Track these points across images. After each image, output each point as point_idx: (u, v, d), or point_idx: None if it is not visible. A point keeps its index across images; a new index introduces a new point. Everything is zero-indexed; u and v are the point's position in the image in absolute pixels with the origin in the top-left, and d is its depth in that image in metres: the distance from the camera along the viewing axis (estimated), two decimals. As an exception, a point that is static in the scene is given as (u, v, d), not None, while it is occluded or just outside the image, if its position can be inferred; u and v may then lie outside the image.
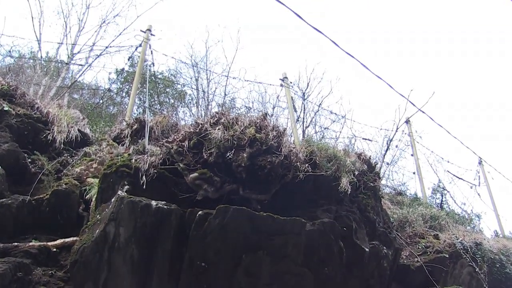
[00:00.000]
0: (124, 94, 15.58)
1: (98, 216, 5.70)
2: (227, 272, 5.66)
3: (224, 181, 6.03)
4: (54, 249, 5.90)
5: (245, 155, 5.99)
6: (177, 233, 5.58)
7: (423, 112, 12.02)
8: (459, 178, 15.33)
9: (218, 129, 6.20)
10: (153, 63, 10.33)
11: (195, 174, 5.97)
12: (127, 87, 15.17)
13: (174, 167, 6.10)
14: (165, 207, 5.51)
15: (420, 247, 8.94)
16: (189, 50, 16.86)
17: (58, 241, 6.00)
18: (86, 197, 6.60)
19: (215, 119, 6.53)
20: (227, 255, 5.64)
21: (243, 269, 5.67)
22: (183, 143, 6.30)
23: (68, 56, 16.13)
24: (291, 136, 8.63)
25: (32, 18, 16.24)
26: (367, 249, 6.81)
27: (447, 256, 8.75)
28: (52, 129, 7.69)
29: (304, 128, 12.16)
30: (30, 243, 5.80)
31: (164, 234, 5.51)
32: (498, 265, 9.88)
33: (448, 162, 15.18)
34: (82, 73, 15.86)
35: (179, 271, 5.55)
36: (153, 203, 5.45)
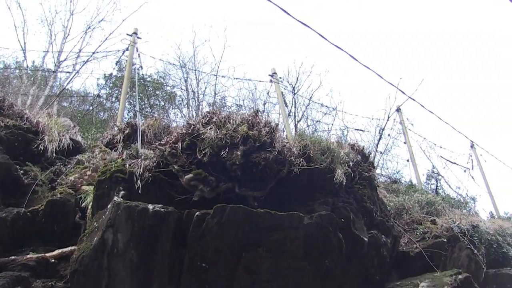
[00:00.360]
0: (113, 99, 15.51)
1: (95, 224, 5.68)
2: (228, 271, 5.66)
3: (220, 180, 6.02)
4: (53, 260, 5.87)
5: (239, 153, 5.99)
6: (175, 235, 5.56)
7: (413, 99, 12.07)
8: (453, 163, 15.45)
9: (210, 128, 6.19)
10: (141, 66, 10.32)
11: (190, 175, 5.95)
12: (117, 92, 15.08)
13: (169, 169, 6.08)
14: (162, 210, 5.49)
15: (418, 233, 9.01)
16: (177, 51, 16.85)
17: (56, 252, 5.96)
18: (82, 205, 6.56)
19: (207, 118, 6.51)
20: (226, 254, 5.64)
21: (243, 266, 5.67)
22: (176, 145, 6.28)
23: (55, 64, 16.00)
24: (284, 131, 8.64)
25: (15, 27, 16.12)
26: (366, 239, 6.84)
27: (445, 240, 8.81)
28: (43, 139, 7.63)
29: (296, 123, 12.20)
30: (28, 256, 5.77)
31: (163, 237, 5.49)
32: (495, 246, 9.98)
33: (441, 147, 15.30)
34: (70, 80, 15.76)
35: (179, 272, 5.54)
36: (150, 206, 5.43)
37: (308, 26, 6.83)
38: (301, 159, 6.46)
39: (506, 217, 15.23)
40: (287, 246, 5.90)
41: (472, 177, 15.86)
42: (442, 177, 15.01)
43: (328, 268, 6.31)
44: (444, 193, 14.18)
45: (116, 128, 8.33)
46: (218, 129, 6.21)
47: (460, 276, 7.59)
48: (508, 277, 9.62)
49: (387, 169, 14.39)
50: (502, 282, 9.52)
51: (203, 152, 6.07)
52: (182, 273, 5.54)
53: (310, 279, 6.13)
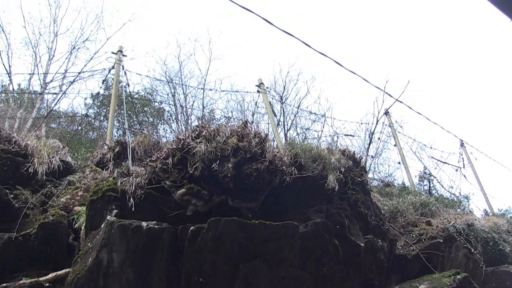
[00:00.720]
0: (102, 118, 15.46)
1: (89, 244, 5.61)
2: (226, 284, 5.62)
3: (212, 193, 6.00)
4: (47, 284, 5.77)
5: (230, 165, 5.98)
6: (171, 251, 5.52)
7: (400, 102, 12.16)
8: (444, 163, 15.57)
9: (200, 142, 6.18)
10: (128, 84, 10.29)
11: (183, 190, 5.93)
12: (105, 110, 15.04)
13: (161, 185, 6.05)
14: (156, 226, 5.45)
15: (414, 235, 9.02)
16: (163, 67, 16.86)
17: (50, 275, 5.86)
18: (75, 226, 6.49)
19: (196, 132, 6.49)
20: (223, 267, 5.60)
21: (241, 279, 5.64)
22: (167, 161, 6.26)
23: (41, 86, 15.95)
24: (274, 140, 8.65)
25: (0, 51, 16.05)
26: (362, 244, 6.83)
27: (441, 241, 8.83)
28: (33, 162, 7.55)
29: (286, 131, 12.24)
30: (21, 281, 5.66)
31: (158, 254, 5.44)
32: (491, 243, 10.01)
33: (431, 148, 15.42)
34: (57, 101, 15.71)
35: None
36: (144, 224, 5.39)
37: (292, 35, 6.87)
38: (293, 168, 6.46)
39: (500, 214, 15.31)
40: (284, 256, 5.87)
41: (464, 176, 15.98)
42: (434, 177, 15.11)
43: (326, 275, 6.29)
44: (438, 194, 14.26)
45: (105, 147, 8.29)
46: (208, 143, 6.19)
47: (459, 276, 7.60)
48: (506, 274, 9.63)
49: (379, 172, 14.47)
50: (501, 280, 9.52)
51: (194, 166, 6.05)
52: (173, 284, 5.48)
53: (309, 287, 6.10)
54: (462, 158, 16.39)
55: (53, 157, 7.93)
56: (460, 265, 8.70)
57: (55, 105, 15.60)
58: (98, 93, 15.28)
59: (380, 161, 14.92)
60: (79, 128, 14.23)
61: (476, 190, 16.00)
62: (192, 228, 5.54)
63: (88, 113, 15.34)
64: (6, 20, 16.81)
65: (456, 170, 15.91)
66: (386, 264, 7.60)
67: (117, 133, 12.97)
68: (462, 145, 16.54)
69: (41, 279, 5.76)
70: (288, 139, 10.70)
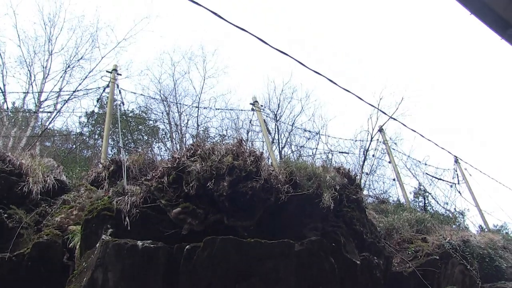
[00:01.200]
0: (96, 136, 15.45)
1: (84, 264, 5.58)
2: None
3: (208, 212, 6.00)
4: (41, 305, 5.72)
5: (225, 183, 5.99)
6: (166, 270, 5.49)
7: (394, 119, 12.27)
8: (438, 179, 15.62)
9: (196, 161, 6.20)
10: (122, 102, 10.32)
11: (178, 209, 5.92)
12: (99, 129, 15.05)
13: (156, 204, 6.04)
14: (152, 245, 5.43)
15: (410, 252, 9.01)
16: (157, 85, 16.93)
17: (44, 296, 5.82)
18: (70, 246, 6.43)
19: (192, 151, 6.52)
20: (219, 286, 5.57)
21: None
22: (162, 179, 6.26)
23: (36, 105, 15.95)
24: (269, 158, 8.66)
25: (-6, 70, 16.06)
26: (358, 262, 6.82)
27: (437, 257, 8.83)
28: (27, 181, 7.52)
29: (281, 149, 12.29)
30: (14, 302, 5.61)
31: (154, 273, 5.42)
32: (487, 260, 10.00)
33: (426, 164, 15.49)
34: (51, 120, 15.68)
35: None
36: (139, 243, 5.37)
37: (287, 55, 6.94)
38: (288, 186, 6.49)
39: (496, 230, 15.32)
40: (280, 274, 5.85)
41: (459, 192, 16.02)
42: (429, 193, 15.14)
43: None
44: (433, 210, 14.28)
45: (100, 166, 8.27)
46: (203, 161, 6.21)
47: (454, 293, 7.59)
48: (501, 291, 9.63)
49: (374, 189, 14.49)
50: (497, 296, 9.51)
51: (190, 185, 6.05)
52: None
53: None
54: (457, 174, 16.46)
55: (47, 176, 7.90)
56: (457, 282, 8.69)
57: (49, 123, 15.58)
58: (93, 111, 15.33)
59: (375, 178, 14.96)
60: (74, 146, 14.21)
61: (471, 206, 16.02)
62: (187, 247, 5.53)
63: (82, 132, 15.34)
64: (1, 39, 16.80)
65: (451, 186, 15.96)
66: (382, 282, 7.57)
67: (111, 151, 12.97)
68: (456, 161, 16.61)
69: (34, 300, 5.71)
70: (283, 157, 10.74)
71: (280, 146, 12.56)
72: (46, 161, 8.63)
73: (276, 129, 12.81)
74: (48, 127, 15.26)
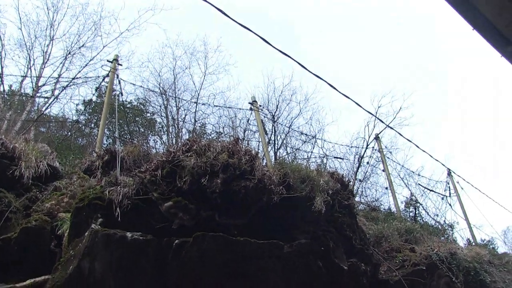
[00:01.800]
0: (93, 125, 15.38)
1: (71, 252, 5.53)
2: None
3: (200, 208, 5.98)
4: (23, 291, 5.65)
5: (219, 181, 5.98)
6: (155, 263, 5.47)
7: (391, 128, 12.33)
8: (430, 190, 15.72)
9: (191, 156, 6.18)
10: (121, 93, 10.31)
11: (170, 203, 5.90)
12: (96, 118, 14.97)
13: (148, 197, 6.01)
14: (141, 238, 5.40)
15: (397, 261, 9.05)
16: (157, 78, 16.87)
17: (28, 281, 5.71)
18: (58, 233, 6.39)
19: (187, 146, 6.50)
20: (207, 283, 5.57)
21: None
22: (156, 172, 6.24)
23: (33, 89, 15.82)
24: (264, 159, 8.67)
25: (-7, 52, 15.93)
26: (345, 267, 6.84)
27: (424, 268, 8.87)
28: (20, 165, 7.47)
29: (276, 150, 12.29)
30: (-3, 287, 5.56)
31: (142, 266, 5.40)
32: (472, 273, 10.07)
33: (419, 175, 15.57)
34: (48, 105, 15.58)
35: None
36: (129, 234, 5.34)
37: (289, 56, 6.95)
38: (281, 187, 6.48)
39: (483, 244, 15.44)
40: (268, 275, 5.87)
41: (450, 204, 16.12)
42: (420, 204, 15.23)
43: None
44: (423, 221, 14.36)
45: (94, 155, 8.25)
46: (199, 157, 6.20)
47: (438, 304, 7.62)
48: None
49: (366, 196, 14.56)
50: (480, 310, 9.58)
51: (183, 180, 6.03)
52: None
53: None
54: (449, 187, 16.56)
55: (40, 161, 7.85)
56: (440, 293, 8.74)
57: (46, 109, 15.47)
58: (91, 100, 15.27)
59: (368, 185, 15.03)
60: (69, 133, 14.15)
61: (461, 220, 16.13)
62: (177, 241, 5.51)
63: (79, 120, 15.28)
64: (2, 20, 16.66)
65: (442, 199, 16.07)
66: (370, 288, 7.61)
67: (107, 141, 12.90)
68: (449, 174, 16.71)
69: (17, 285, 5.64)
70: (278, 158, 10.74)
71: (276, 147, 12.57)
72: (40, 146, 8.58)
73: (273, 130, 12.81)
74: (44, 113, 15.17)
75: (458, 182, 16.68)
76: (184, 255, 5.43)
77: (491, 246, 15.98)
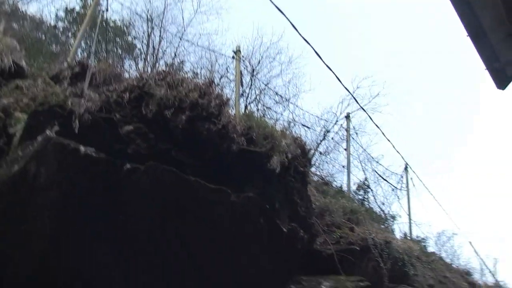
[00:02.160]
0: (70, 35, 14.80)
1: (19, 153, 5.41)
2: (155, 233, 5.68)
3: (159, 139, 5.95)
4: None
5: (184, 117, 5.94)
6: (104, 184, 5.42)
7: (364, 110, 12.50)
8: (384, 179, 16.17)
9: (162, 86, 6.10)
10: (107, 9, 9.95)
11: (131, 127, 5.83)
12: (75, 28, 14.41)
13: (111, 116, 5.90)
14: (94, 155, 5.30)
15: (335, 236, 9.38)
16: (147, 4, 16.29)
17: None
18: (10, 131, 6.24)
19: (161, 76, 6.40)
20: (155, 215, 5.63)
21: (171, 230, 5.75)
22: (123, 94, 6.12)
23: (11, -19, 14.97)
24: (233, 108, 8.66)
25: None
26: (285, 230, 7.02)
27: (358, 249, 9.25)
28: (-19, 53, 7.18)
29: (247, 104, 12.27)
30: None
31: (90, 182, 5.34)
32: (400, 264, 10.62)
33: (377, 162, 15.95)
34: (26, 2, 14.81)
35: (104, 225, 5.39)
36: (82, 148, 5.24)
37: (281, 12, 6.86)
38: (243, 139, 6.52)
39: (417, 240, 16.19)
40: (213, 219, 5.99)
41: (398, 197, 16.70)
42: (371, 190, 15.68)
43: (247, 250, 6.49)
44: (369, 206, 14.82)
45: (65, 64, 8.00)
46: (170, 90, 6.12)
47: (361, 284, 8.04)
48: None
49: (322, 170, 14.82)
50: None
51: (149, 108, 5.96)
52: (107, 226, 5.40)
53: (228, 258, 6.32)
54: (402, 181, 17.10)
55: (5, 55, 7.56)
56: (367, 275, 9.16)
57: (23, 5, 14.73)
58: (74, 9, 14.65)
59: (327, 160, 15.27)
60: (43, 36, 13.59)
61: (404, 214, 16.77)
62: (129, 166, 5.49)
63: (56, 26, 14.67)
64: None
65: (393, 190, 16.60)
66: (302, 256, 7.86)
67: (80, 54, 12.46)
68: (406, 168, 17.21)
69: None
70: (247, 112, 10.73)
71: (248, 101, 12.55)
72: (9, 40, 8.23)
73: (250, 83, 12.73)
74: (21, 9, 14.46)
75: (411, 179, 17.24)
76: (136, 182, 5.44)
77: (423, 244, 16.79)
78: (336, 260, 8.60)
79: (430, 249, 17.31)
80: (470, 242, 24.43)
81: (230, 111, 6.98)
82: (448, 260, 18.53)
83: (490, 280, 23.85)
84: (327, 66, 8.45)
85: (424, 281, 11.63)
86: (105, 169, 5.43)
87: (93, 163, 5.32)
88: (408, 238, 15.75)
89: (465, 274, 17.96)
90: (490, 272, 25.05)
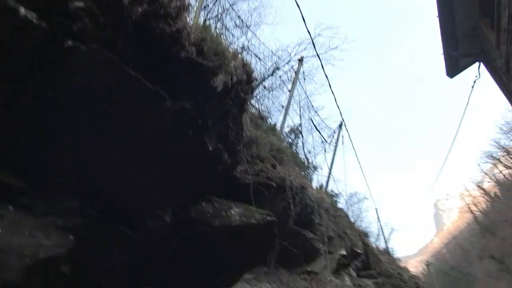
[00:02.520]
0: None
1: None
2: (86, 119, 5.56)
3: (108, 24, 5.66)
4: None
5: (140, 10, 5.68)
6: (39, 55, 5.10)
7: (318, 57, 12.59)
8: (318, 131, 16.70)
9: (125, -29, 5.74)
10: None
11: (81, 4, 5.47)
12: None
13: (64, -11, 5.51)
14: (35, 21, 4.94)
15: (256, 168, 9.67)
16: None
17: None
18: None
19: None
20: (86, 103, 5.47)
21: (101, 124, 5.67)
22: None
23: None
24: (193, 19, 8.40)
25: None
26: (210, 149, 7.12)
27: (274, 185, 9.65)
28: None
29: (207, 18, 11.93)
30: None
31: (23, 49, 5.04)
32: (309, 210, 11.28)
33: (316, 112, 16.37)
34: None
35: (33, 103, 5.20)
36: (22, 10, 4.83)
37: None
38: (194, 49, 6.39)
39: (331, 194, 17.15)
40: (143, 122, 5.97)
41: (325, 150, 17.39)
42: (302, 136, 16.16)
43: (167, 162, 6.57)
44: (296, 150, 15.32)
45: None
46: (131, -22, 5.78)
47: (269, 218, 8.46)
48: (302, 236, 11.00)
49: (261, 104, 14.97)
50: (296, 239, 10.82)
51: (106, -10, 5.63)
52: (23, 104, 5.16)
53: (145, 160, 6.35)
54: (333, 136, 17.76)
55: None
56: (275, 212, 9.58)
57: None
58: None
59: (269, 96, 15.39)
60: None
61: (326, 167, 17.56)
62: (70, 43, 5.22)
63: None
64: None
65: (322, 142, 17.22)
66: (221, 178, 8.08)
67: None
68: (340, 126, 17.83)
69: None
70: (205, 25, 10.44)
71: (209, 16, 12.17)
72: None
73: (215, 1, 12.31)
74: None
75: (343, 136, 17.94)
76: (72, 62, 5.21)
77: (335, 199, 17.81)
78: (251, 191, 8.91)
79: (340, 205, 18.44)
80: (376, 209, 26.28)
81: (188, 18, 6.74)
82: (352, 220, 19.93)
83: (382, 245, 26.05)
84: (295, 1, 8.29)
85: (325, 232, 12.45)
86: (44, 39, 5.12)
87: (32, 29, 4.97)
88: (324, 190, 16.60)
89: (363, 235, 19.51)
90: (384, 238, 27.29)
